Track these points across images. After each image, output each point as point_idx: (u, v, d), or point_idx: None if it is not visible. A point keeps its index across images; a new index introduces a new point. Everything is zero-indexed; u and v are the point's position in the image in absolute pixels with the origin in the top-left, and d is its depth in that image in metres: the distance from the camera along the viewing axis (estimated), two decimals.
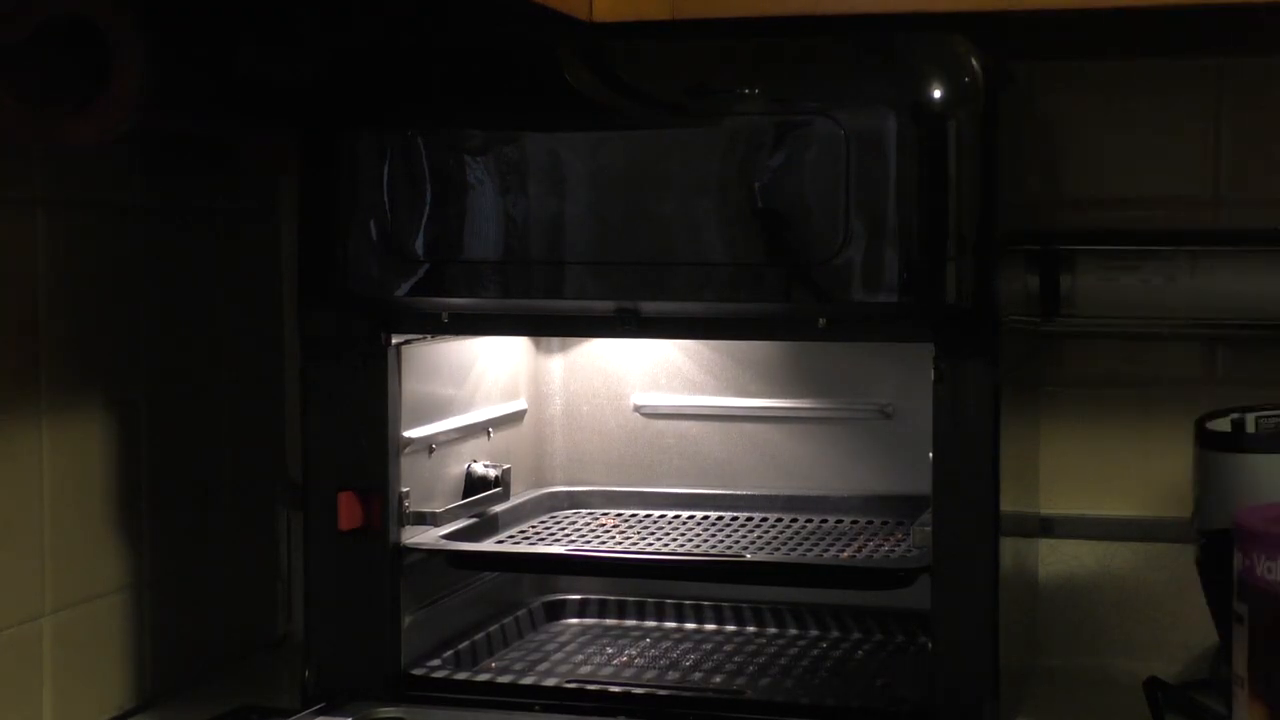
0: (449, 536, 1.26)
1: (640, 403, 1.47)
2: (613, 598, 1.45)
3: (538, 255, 1.13)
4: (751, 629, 1.41)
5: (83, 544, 1.23)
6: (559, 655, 1.33)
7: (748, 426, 1.45)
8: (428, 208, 1.15)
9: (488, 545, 1.31)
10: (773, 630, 1.41)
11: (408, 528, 1.22)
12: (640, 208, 1.11)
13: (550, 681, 1.23)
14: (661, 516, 1.42)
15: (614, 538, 1.34)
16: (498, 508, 1.36)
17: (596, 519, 1.42)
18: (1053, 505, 1.42)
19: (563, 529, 1.37)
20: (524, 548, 1.32)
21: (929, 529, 1.13)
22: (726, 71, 1.12)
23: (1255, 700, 1.09)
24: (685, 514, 1.43)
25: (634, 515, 1.42)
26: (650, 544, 1.31)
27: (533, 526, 1.38)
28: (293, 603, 1.47)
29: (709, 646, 1.36)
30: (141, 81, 1.08)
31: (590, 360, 1.49)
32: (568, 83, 1.15)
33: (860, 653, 1.34)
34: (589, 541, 1.33)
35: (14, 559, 1.16)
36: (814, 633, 1.39)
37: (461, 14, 1.17)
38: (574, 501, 1.46)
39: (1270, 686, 1.08)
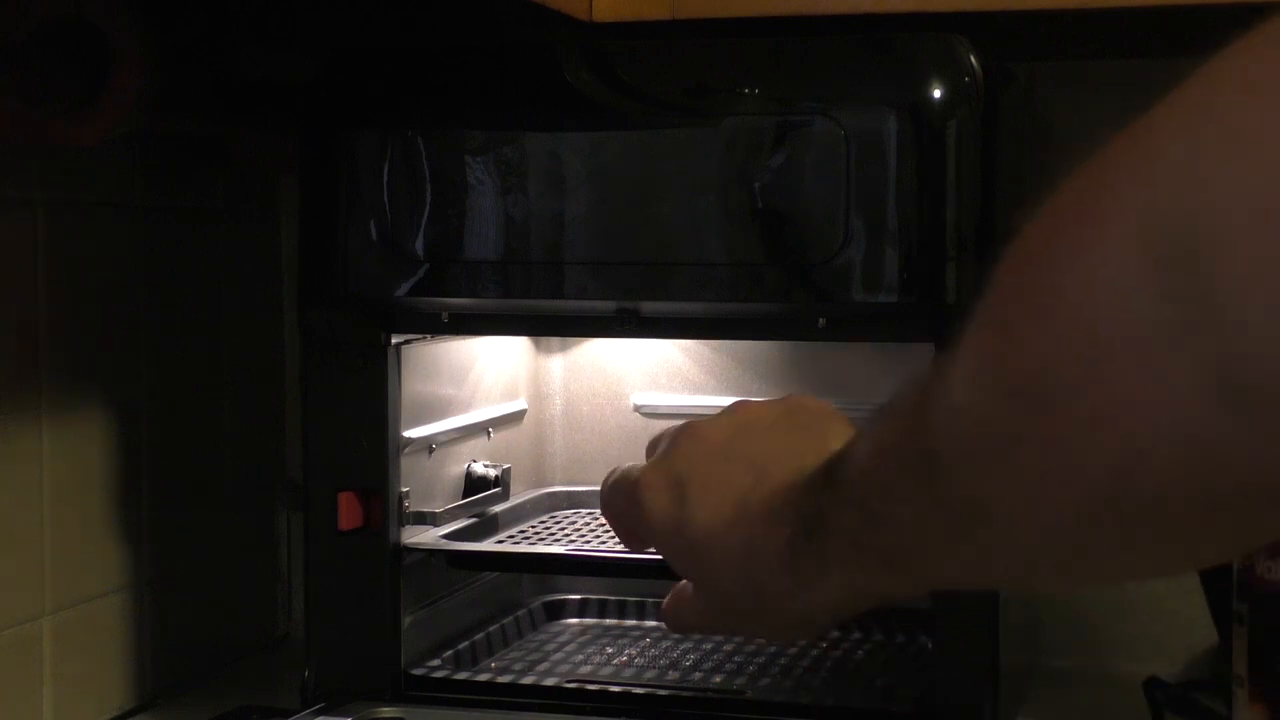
0: (449, 536, 1.26)
1: (640, 403, 1.47)
2: (613, 598, 1.45)
3: (538, 255, 1.13)
4: None
5: (83, 544, 1.23)
6: (559, 655, 1.33)
7: None
8: (428, 208, 1.15)
9: (487, 545, 1.31)
10: None
11: (408, 527, 1.22)
12: (640, 208, 1.11)
13: (550, 681, 1.23)
14: None
15: (614, 538, 1.34)
16: (498, 508, 1.36)
17: (597, 519, 1.41)
18: None
19: (562, 529, 1.37)
20: (524, 548, 1.32)
21: None
22: (726, 71, 1.12)
23: (1255, 700, 1.09)
24: None
25: None
26: None
27: (532, 526, 1.38)
28: (293, 603, 1.47)
29: (709, 646, 1.36)
30: (141, 81, 1.08)
31: (590, 360, 1.49)
32: (568, 83, 1.15)
33: (860, 653, 1.34)
34: (589, 541, 1.33)
35: (14, 559, 1.16)
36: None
37: (461, 14, 1.17)
38: (574, 501, 1.46)
39: (1270, 686, 1.08)
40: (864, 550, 0.65)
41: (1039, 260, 0.50)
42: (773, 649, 1.35)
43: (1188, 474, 0.46)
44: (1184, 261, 0.44)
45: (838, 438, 0.74)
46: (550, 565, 1.37)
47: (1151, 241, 0.45)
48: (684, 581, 0.81)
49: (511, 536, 1.34)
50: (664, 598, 1.45)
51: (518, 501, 1.40)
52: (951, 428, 0.54)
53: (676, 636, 1.39)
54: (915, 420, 0.58)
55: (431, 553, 1.24)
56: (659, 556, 1.29)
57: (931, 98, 1.07)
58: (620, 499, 0.83)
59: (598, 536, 1.35)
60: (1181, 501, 0.47)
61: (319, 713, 1.16)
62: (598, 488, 1.44)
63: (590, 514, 1.44)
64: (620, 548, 1.29)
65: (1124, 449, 0.47)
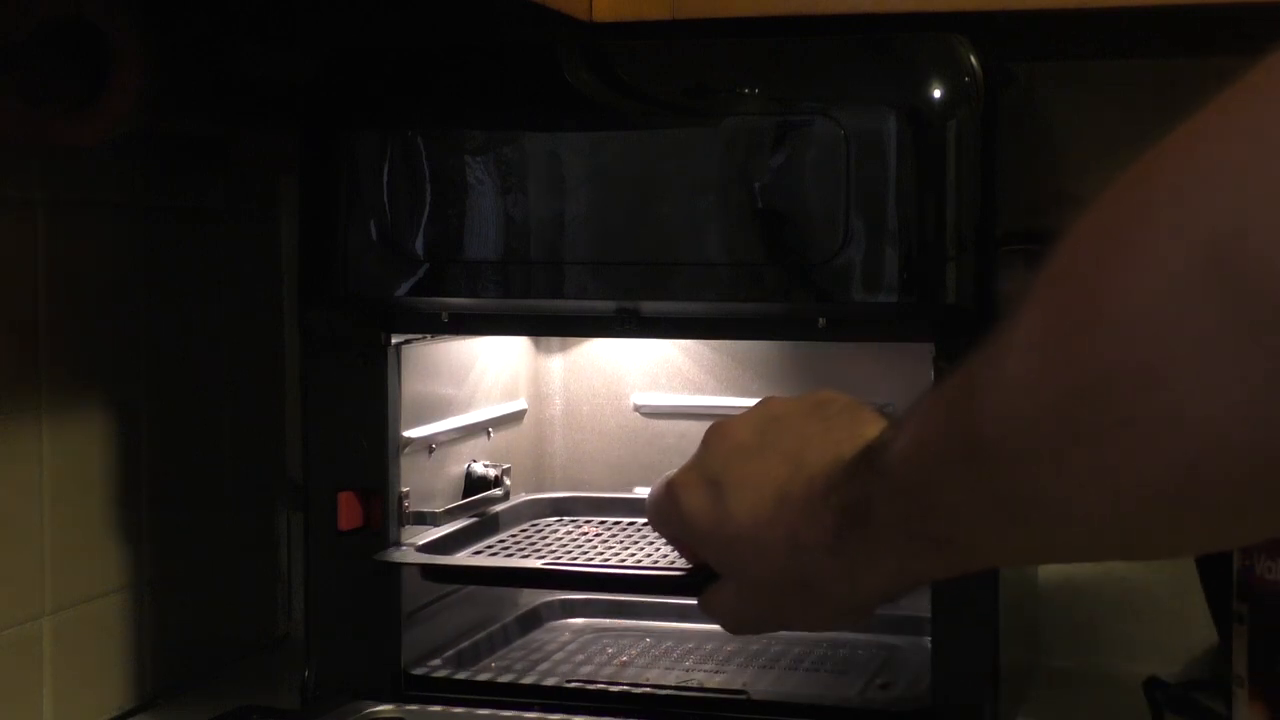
0: (425, 548, 1.22)
1: (640, 403, 1.47)
2: (613, 598, 1.45)
3: (538, 255, 1.13)
4: None
5: (83, 544, 1.23)
6: (559, 655, 1.33)
7: None
8: (428, 208, 1.15)
9: (462, 558, 1.25)
10: None
11: (408, 527, 1.22)
12: (640, 208, 1.11)
13: (550, 681, 1.23)
14: (646, 524, 1.39)
15: (595, 547, 1.30)
16: (476, 516, 1.32)
17: (579, 527, 1.39)
18: None
19: (543, 538, 1.34)
20: (499, 561, 1.26)
21: None
22: (726, 71, 1.12)
23: (1255, 700, 1.09)
24: None
25: (617, 523, 1.39)
26: (633, 553, 1.27)
27: (512, 535, 1.34)
28: (293, 603, 1.47)
29: (709, 646, 1.36)
30: (141, 81, 1.08)
31: (590, 360, 1.49)
32: (568, 83, 1.15)
33: (860, 653, 1.34)
34: (570, 552, 1.28)
35: (14, 559, 1.16)
36: (814, 633, 1.39)
37: (461, 14, 1.17)
38: (557, 509, 1.43)
39: (1270, 686, 1.08)
40: (915, 536, 0.66)
41: (1093, 270, 0.51)
42: (774, 649, 1.35)
43: (1255, 465, 0.47)
44: (1243, 267, 0.44)
45: (870, 426, 0.76)
46: (527, 579, 1.31)
47: (1209, 250, 0.45)
48: (720, 583, 0.82)
49: (490, 546, 1.30)
50: (664, 597, 1.41)
51: (500, 509, 1.36)
52: (1005, 427, 0.55)
53: (677, 636, 1.39)
54: (962, 415, 0.58)
55: (405, 566, 1.20)
56: (637, 570, 1.21)
57: (931, 98, 1.07)
58: (661, 504, 0.85)
59: (579, 546, 1.31)
60: (1247, 488, 0.48)
61: (319, 713, 1.16)
62: (581, 494, 1.43)
63: (573, 521, 1.40)
64: (595, 561, 1.25)
65: (1191, 447, 0.48)
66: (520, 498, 1.41)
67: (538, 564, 1.24)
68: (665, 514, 0.85)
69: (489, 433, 1.39)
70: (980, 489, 0.58)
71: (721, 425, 0.84)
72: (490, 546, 1.30)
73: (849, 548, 0.71)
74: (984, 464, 0.57)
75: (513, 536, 1.34)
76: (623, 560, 1.24)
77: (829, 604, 0.76)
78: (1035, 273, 0.54)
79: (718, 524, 0.80)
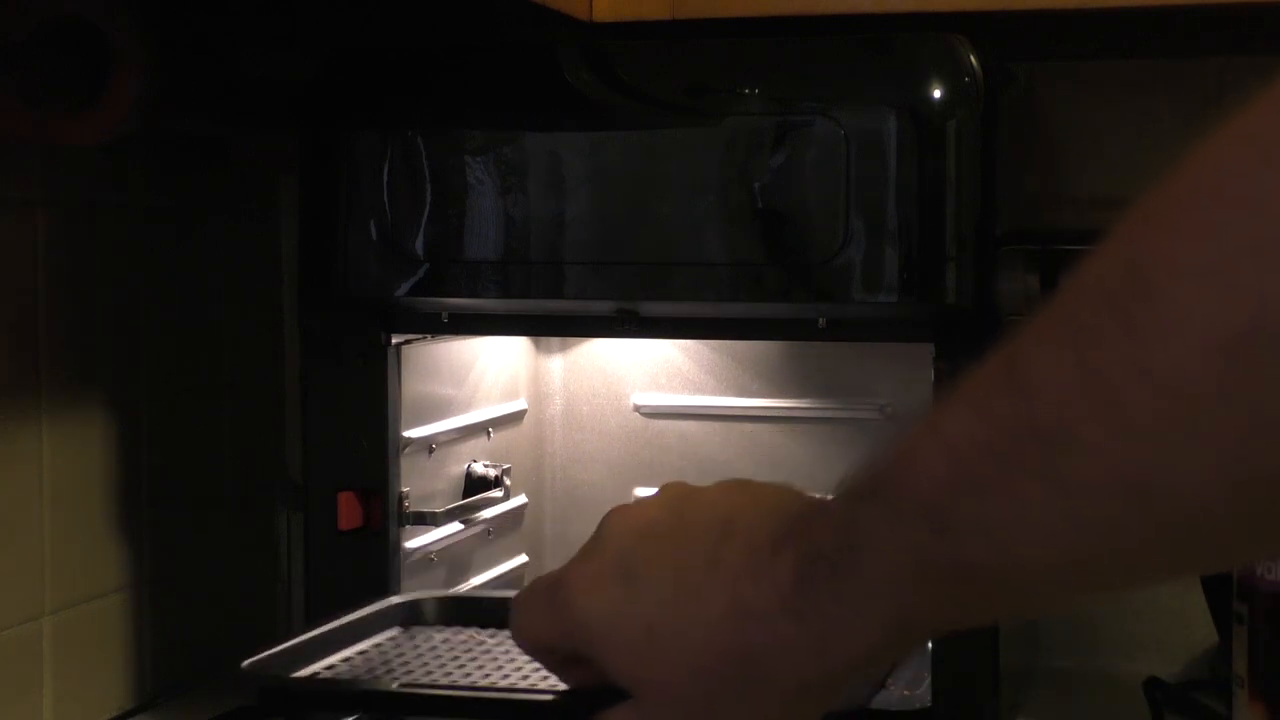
0: (276, 656, 1.06)
1: (640, 403, 1.47)
2: None
3: (538, 255, 1.13)
4: None
5: (83, 544, 1.23)
6: None
7: (748, 426, 1.45)
8: (428, 208, 1.15)
9: (303, 676, 1.08)
10: None
11: (408, 528, 1.22)
12: (640, 208, 1.11)
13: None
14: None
15: (475, 659, 1.14)
16: (338, 622, 1.15)
17: (458, 633, 1.20)
18: None
19: (418, 652, 1.17)
20: (341, 688, 1.07)
21: None
22: (726, 71, 1.12)
23: (1255, 700, 1.09)
24: None
25: (493, 636, 1.19)
26: (520, 667, 1.12)
27: (377, 645, 1.17)
28: (293, 603, 1.47)
29: None
30: (141, 81, 1.08)
31: (590, 360, 1.49)
32: (568, 83, 1.15)
33: None
34: (444, 664, 1.14)
35: (14, 559, 1.16)
36: None
37: (461, 14, 1.17)
38: (417, 615, 1.22)
39: (1270, 686, 1.08)
40: (931, 567, 0.54)
41: (1254, 185, 0.43)
42: None
43: None
44: None
45: (808, 493, 0.63)
46: (372, 703, 1.06)
47: None
48: (627, 704, 0.68)
49: (349, 659, 1.13)
50: None
51: (364, 614, 1.18)
52: (1088, 406, 0.47)
53: None
54: (1014, 406, 0.49)
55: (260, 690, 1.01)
56: (511, 694, 1.04)
57: (931, 98, 1.07)
58: (538, 611, 0.68)
59: (455, 658, 1.16)
60: None
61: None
62: (451, 592, 1.25)
63: (442, 634, 1.21)
64: (469, 680, 1.09)
65: None
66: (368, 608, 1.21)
67: (392, 686, 1.06)
68: (547, 623, 0.67)
69: (489, 433, 1.38)
70: (1048, 491, 0.49)
71: (623, 508, 0.68)
72: (349, 659, 1.13)
73: (819, 603, 0.57)
74: (1057, 458, 0.48)
75: (376, 646, 1.17)
76: (508, 675, 1.10)
77: (780, 694, 0.60)
78: (1135, 208, 0.46)
79: (630, 617, 0.64)
